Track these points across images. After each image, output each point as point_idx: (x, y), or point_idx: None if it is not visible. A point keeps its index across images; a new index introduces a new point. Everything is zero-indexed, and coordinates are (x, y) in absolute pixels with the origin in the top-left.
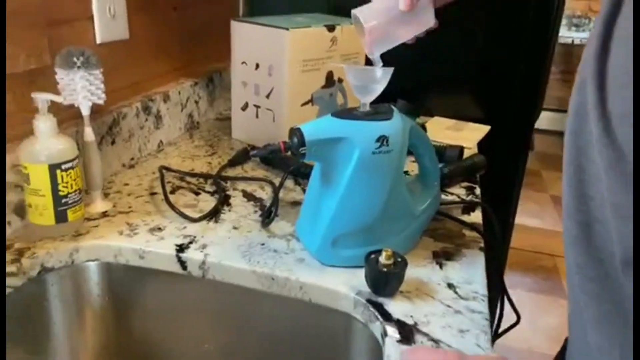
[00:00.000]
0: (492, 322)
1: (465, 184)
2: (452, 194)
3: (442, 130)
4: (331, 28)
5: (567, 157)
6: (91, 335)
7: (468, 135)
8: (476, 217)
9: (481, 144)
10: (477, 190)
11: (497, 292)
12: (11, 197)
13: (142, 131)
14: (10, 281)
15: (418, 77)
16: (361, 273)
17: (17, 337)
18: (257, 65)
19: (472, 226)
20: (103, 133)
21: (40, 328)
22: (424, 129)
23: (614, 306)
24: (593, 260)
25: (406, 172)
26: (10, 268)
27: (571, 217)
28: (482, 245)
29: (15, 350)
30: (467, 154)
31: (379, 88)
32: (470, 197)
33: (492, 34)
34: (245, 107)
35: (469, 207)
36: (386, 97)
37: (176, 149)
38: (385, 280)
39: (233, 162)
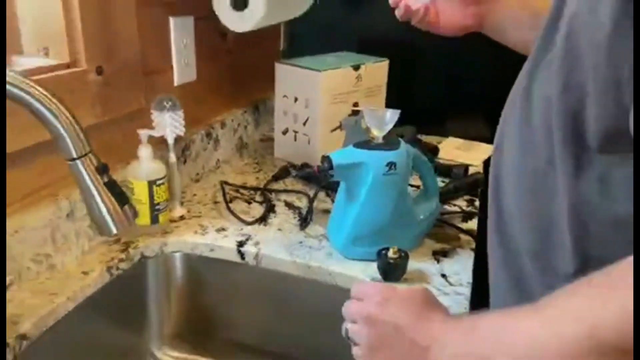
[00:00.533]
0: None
1: (467, 197)
2: (455, 205)
3: (453, 149)
4: (356, 67)
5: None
6: (174, 307)
7: (475, 155)
8: (473, 224)
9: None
10: (477, 203)
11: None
12: None
13: (205, 152)
14: (121, 265)
15: (436, 101)
16: (374, 264)
17: (124, 307)
18: (296, 99)
19: (466, 231)
20: (178, 155)
21: (139, 300)
22: (437, 149)
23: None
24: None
25: (417, 187)
26: (120, 255)
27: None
28: (473, 246)
29: (123, 316)
30: (472, 171)
31: (389, 126)
32: (469, 208)
33: (505, 57)
34: (285, 131)
35: (467, 216)
36: (407, 117)
37: (230, 166)
38: (392, 270)
39: (276, 177)
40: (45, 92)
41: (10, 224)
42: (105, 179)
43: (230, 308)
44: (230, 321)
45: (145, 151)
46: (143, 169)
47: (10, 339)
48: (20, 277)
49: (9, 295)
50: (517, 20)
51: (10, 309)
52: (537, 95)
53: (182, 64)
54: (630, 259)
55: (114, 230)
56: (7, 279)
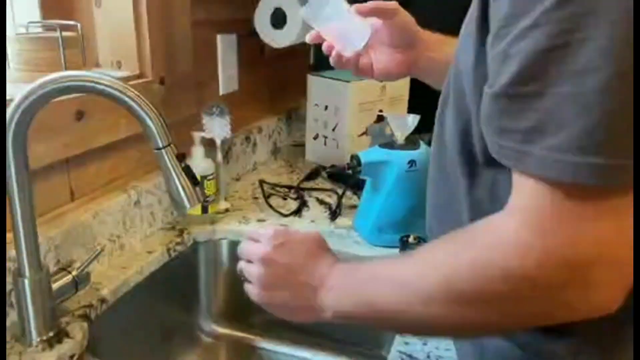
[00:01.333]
0: None
1: None
2: None
3: None
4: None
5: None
6: (220, 287)
7: None
8: None
9: None
10: None
11: None
12: None
13: (244, 155)
14: (177, 247)
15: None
16: (396, 250)
17: (179, 285)
18: (326, 107)
19: None
20: (223, 156)
21: (192, 280)
22: None
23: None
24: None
25: None
26: (176, 239)
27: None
28: None
29: (178, 293)
30: None
31: (410, 129)
32: None
33: None
34: (316, 137)
35: None
36: (429, 125)
37: (265, 167)
38: None
39: (308, 177)
40: (138, 94)
41: (92, 207)
42: (183, 165)
43: None
44: None
45: (198, 150)
46: (196, 165)
47: (93, 301)
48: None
49: (91, 266)
50: (441, 66)
51: (92, 278)
52: (446, 117)
53: (226, 76)
54: (489, 219)
55: (188, 205)
56: (98, 247)
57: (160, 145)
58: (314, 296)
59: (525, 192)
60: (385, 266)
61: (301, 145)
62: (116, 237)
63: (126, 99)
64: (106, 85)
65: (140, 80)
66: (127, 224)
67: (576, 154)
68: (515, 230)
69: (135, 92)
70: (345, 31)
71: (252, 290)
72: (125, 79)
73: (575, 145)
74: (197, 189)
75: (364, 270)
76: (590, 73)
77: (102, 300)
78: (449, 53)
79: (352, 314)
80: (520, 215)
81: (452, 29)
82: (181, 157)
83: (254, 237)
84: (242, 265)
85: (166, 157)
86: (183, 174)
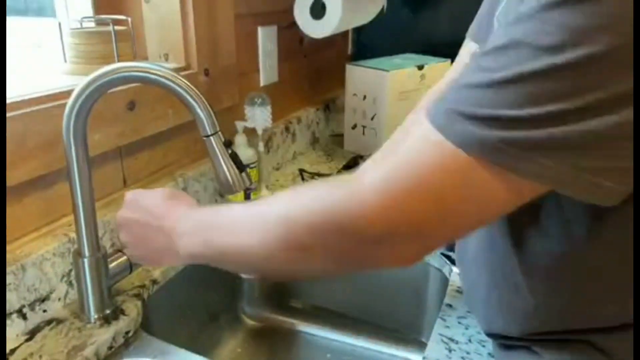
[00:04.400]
0: None
1: None
2: None
3: None
4: (420, 67)
5: None
6: None
7: None
8: None
9: None
10: None
11: None
12: (216, 184)
13: (284, 144)
14: None
15: None
16: None
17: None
18: (365, 97)
19: None
20: (264, 145)
21: None
22: None
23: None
24: None
25: None
26: None
27: None
28: None
29: (222, 278)
30: None
31: None
32: None
33: None
34: (354, 126)
35: None
36: None
37: (305, 157)
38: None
39: (347, 167)
40: (188, 83)
41: None
42: (230, 151)
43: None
44: (309, 288)
45: (241, 139)
46: (239, 154)
47: (146, 281)
48: None
49: None
50: None
51: None
52: None
53: (267, 67)
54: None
55: (235, 189)
56: None
57: (209, 132)
58: (170, 241)
59: None
60: (233, 205)
61: (339, 136)
62: None
63: (177, 88)
64: (159, 75)
65: (186, 72)
66: None
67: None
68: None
69: (186, 81)
70: None
71: (127, 253)
72: (173, 71)
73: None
74: (244, 174)
75: (209, 212)
76: None
77: (154, 282)
78: None
79: (203, 255)
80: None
81: None
82: (228, 144)
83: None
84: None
85: (214, 144)
86: (230, 160)
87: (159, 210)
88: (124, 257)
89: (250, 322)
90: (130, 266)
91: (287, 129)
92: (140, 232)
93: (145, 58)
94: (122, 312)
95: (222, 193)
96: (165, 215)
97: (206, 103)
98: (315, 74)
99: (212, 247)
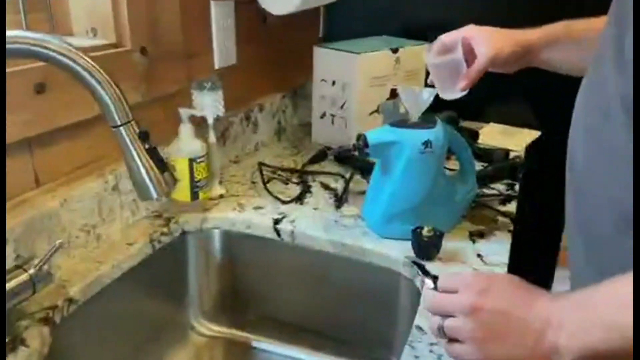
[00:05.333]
0: None
1: (507, 181)
2: (494, 188)
3: (494, 135)
4: (395, 50)
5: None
6: (212, 282)
7: (517, 141)
8: (512, 207)
9: (534, 147)
10: (516, 187)
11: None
12: None
13: (244, 135)
14: (162, 238)
15: (477, 86)
16: (409, 243)
17: (165, 279)
18: (334, 82)
19: (504, 214)
20: (218, 136)
21: (180, 274)
22: (477, 133)
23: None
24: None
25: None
26: (162, 230)
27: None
28: (511, 228)
29: (163, 288)
30: (514, 155)
31: (425, 106)
32: (509, 192)
33: None
34: (323, 115)
35: (506, 199)
36: (449, 103)
37: (268, 149)
38: (426, 248)
39: (313, 160)
40: (93, 63)
41: (59, 194)
42: (147, 146)
43: (267, 284)
44: (266, 297)
45: (185, 129)
46: (184, 146)
47: (59, 301)
48: (69, 244)
49: (59, 260)
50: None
51: (60, 274)
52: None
53: (223, 48)
54: None
55: (154, 195)
56: (57, 242)
57: (118, 122)
58: (540, 339)
59: None
60: (617, 287)
61: (308, 125)
62: (91, 228)
63: (75, 66)
64: (53, 50)
65: (117, 50)
66: (103, 213)
67: None
68: None
69: (89, 59)
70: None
71: (464, 350)
72: (99, 48)
73: None
74: (166, 174)
75: (603, 297)
76: None
77: (70, 300)
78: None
79: (600, 350)
80: None
81: None
82: (144, 136)
83: (448, 288)
84: (438, 322)
85: (126, 137)
86: (147, 156)
87: (520, 300)
88: (25, 275)
89: (198, 338)
90: (34, 285)
91: (247, 117)
92: (498, 328)
93: (69, 34)
94: (22, 342)
95: (140, 199)
96: (531, 307)
97: (114, 86)
98: (282, 57)
99: (622, 338)
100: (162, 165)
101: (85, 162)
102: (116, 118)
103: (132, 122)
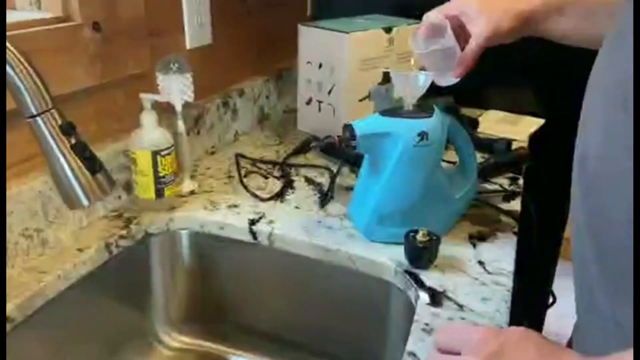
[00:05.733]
0: (540, 306)
1: (510, 174)
2: (495, 183)
3: (495, 123)
4: (388, 30)
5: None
6: (180, 288)
7: (521, 129)
8: (516, 205)
9: (537, 137)
10: (520, 181)
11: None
12: (121, 176)
13: (222, 123)
14: (121, 242)
15: (477, 69)
16: (401, 248)
17: (125, 287)
18: (321, 65)
19: (508, 213)
20: (191, 125)
21: (143, 281)
22: (476, 122)
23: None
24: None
25: (453, 163)
26: (121, 232)
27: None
28: (515, 230)
29: (123, 298)
30: (516, 146)
31: (421, 92)
32: (512, 187)
33: None
34: (309, 102)
35: (509, 196)
36: (445, 89)
37: (249, 138)
38: (420, 255)
39: (297, 151)
40: None
41: None
42: (73, 141)
43: (242, 291)
44: (241, 305)
45: (148, 118)
46: (146, 137)
47: None
48: (7, 252)
49: None
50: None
51: None
52: None
53: (195, 25)
54: None
55: (85, 202)
56: None
57: (34, 112)
58: None
59: None
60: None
61: (294, 112)
62: (34, 232)
63: None
64: None
65: (64, 25)
66: (49, 214)
67: None
68: None
69: None
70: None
71: None
72: (43, 22)
73: None
74: (100, 175)
75: None
76: None
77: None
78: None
79: None
80: None
81: None
82: (68, 128)
83: (451, 345)
84: None
85: (44, 130)
86: (73, 154)
87: None
88: None
89: (164, 351)
90: None
91: (225, 103)
92: None
93: (12, 7)
94: None
95: (67, 206)
96: None
97: (27, 66)
98: (265, 37)
99: None
100: (93, 163)
101: (26, 157)
102: (31, 106)
103: (53, 111)
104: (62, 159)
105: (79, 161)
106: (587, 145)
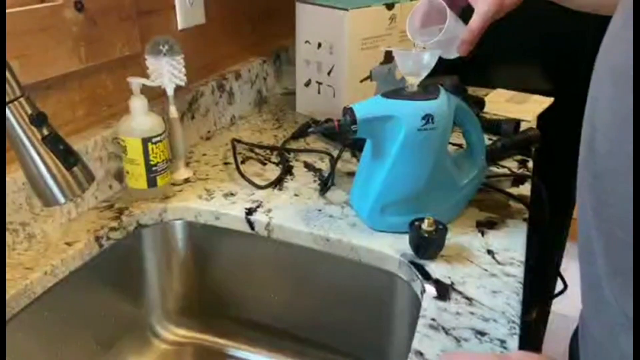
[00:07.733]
0: (549, 291)
1: (518, 157)
2: (504, 166)
3: (503, 102)
4: (390, 6)
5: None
6: (176, 281)
7: (529, 108)
8: (525, 189)
9: (546, 117)
10: (530, 164)
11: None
12: (112, 165)
13: (217, 107)
14: (112, 234)
15: (483, 47)
16: (406, 238)
17: (118, 281)
18: (319, 44)
19: (517, 198)
20: (184, 109)
21: (136, 274)
22: (483, 102)
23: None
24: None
25: (460, 145)
26: (112, 224)
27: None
28: (526, 216)
29: (116, 292)
30: (524, 127)
31: (426, 71)
32: (521, 170)
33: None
34: (308, 83)
35: (518, 180)
36: (449, 68)
37: (246, 122)
38: (426, 245)
39: (296, 136)
40: None
41: None
42: (45, 132)
43: (240, 284)
44: (239, 298)
45: (137, 103)
46: (136, 124)
47: None
48: None
49: None
50: None
51: None
52: None
53: (187, 4)
54: None
55: (62, 199)
56: None
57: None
58: None
59: None
60: None
61: (293, 94)
62: (19, 226)
63: None
64: None
65: (44, 5)
66: (35, 207)
67: None
68: None
69: None
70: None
71: None
72: (22, 2)
73: None
74: (77, 169)
75: None
76: None
77: None
78: None
79: None
80: None
81: None
82: (39, 118)
83: None
84: None
85: (13, 120)
86: (45, 147)
87: None
88: None
89: (162, 345)
90: None
91: (220, 86)
92: None
93: None
94: None
95: (42, 203)
96: None
97: None
98: (263, 15)
99: None
100: (69, 156)
101: (7, 147)
102: None
103: (21, 100)
104: (33, 153)
105: (52, 155)
106: (594, 127)
